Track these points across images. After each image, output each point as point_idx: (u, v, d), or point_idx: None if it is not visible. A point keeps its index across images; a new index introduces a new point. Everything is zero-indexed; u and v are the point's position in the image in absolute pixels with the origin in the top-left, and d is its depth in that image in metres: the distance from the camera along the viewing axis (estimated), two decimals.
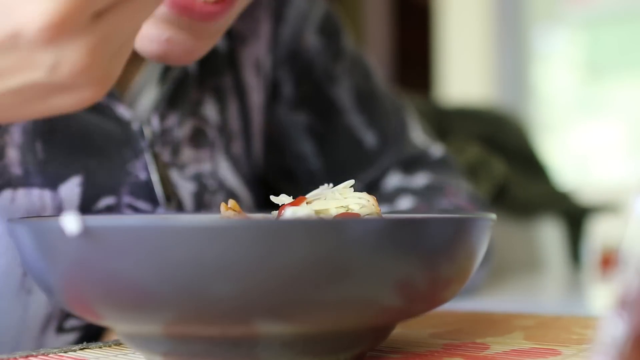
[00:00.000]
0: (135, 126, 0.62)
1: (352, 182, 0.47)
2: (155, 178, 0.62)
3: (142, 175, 0.62)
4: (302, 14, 0.79)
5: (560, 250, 1.56)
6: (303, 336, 0.40)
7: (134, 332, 0.42)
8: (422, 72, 3.41)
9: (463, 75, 2.80)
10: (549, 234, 1.55)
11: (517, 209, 1.47)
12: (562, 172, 2.12)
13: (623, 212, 1.50)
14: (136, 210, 0.62)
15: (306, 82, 0.78)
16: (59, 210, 0.59)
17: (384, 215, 0.46)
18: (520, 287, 1.24)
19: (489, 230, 0.44)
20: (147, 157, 0.62)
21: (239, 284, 0.36)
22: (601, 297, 1.08)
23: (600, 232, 1.52)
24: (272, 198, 0.47)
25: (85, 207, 0.60)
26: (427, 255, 0.40)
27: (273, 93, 0.78)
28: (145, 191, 0.62)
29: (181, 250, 0.36)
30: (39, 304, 0.60)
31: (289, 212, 0.45)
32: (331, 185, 0.47)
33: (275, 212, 0.46)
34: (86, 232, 0.37)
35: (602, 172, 2.80)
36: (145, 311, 0.38)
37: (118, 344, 0.50)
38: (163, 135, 0.64)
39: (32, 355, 0.47)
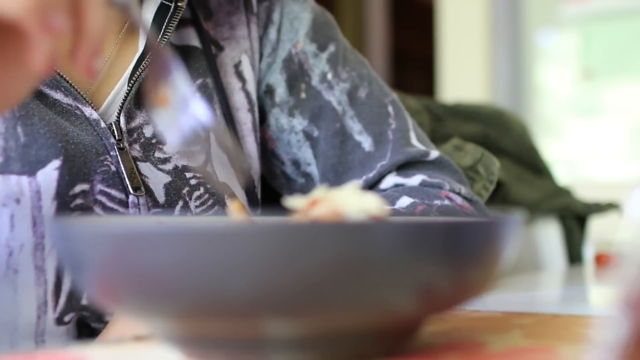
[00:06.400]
0: (102, 125, 0.68)
1: (358, 182, 0.47)
2: (123, 170, 0.68)
3: (113, 167, 0.68)
4: (291, 17, 0.81)
5: (559, 250, 1.56)
6: (327, 336, 0.40)
7: (158, 325, 0.43)
8: (422, 73, 3.41)
9: (462, 75, 2.80)
10: (548, 234, 1.56)
11: (517, 209, 1.47)
12: (561, 171, 2.12)
13: (622, 211, 1.50)
14: (109, 196, 0.67)
15: (301, 87, 0.80)
16: (37, 194, 0.63)
17: (412, 218, 0.46)
18: (519, 286, 1.24)
19: (517, 232, 0.44)
20: (115, 152, 0.69)
21: (266, 285, 0.37)
22: (600, 297, 1.08)
23: (598, 232, 1.52)
24: (286, 200, 0.47)
25: (62, 192, 0.65)
26: (456, 259, 0.40)
27: (270, 98, 0.80)
28: (116, 181, 0.68)
29: (209, 254, 0.37)
30: (27, 285, 0.63)
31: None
32: (326, 185, 0.47)
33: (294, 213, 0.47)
34: (122, 237, 0.39)
35: (601, 171, 2.80)
36: (170, 306, 0.39)
37: (118, 343, 0.51)
38: (131, 133, 0.70)
39: (33, 354, 0.47)
